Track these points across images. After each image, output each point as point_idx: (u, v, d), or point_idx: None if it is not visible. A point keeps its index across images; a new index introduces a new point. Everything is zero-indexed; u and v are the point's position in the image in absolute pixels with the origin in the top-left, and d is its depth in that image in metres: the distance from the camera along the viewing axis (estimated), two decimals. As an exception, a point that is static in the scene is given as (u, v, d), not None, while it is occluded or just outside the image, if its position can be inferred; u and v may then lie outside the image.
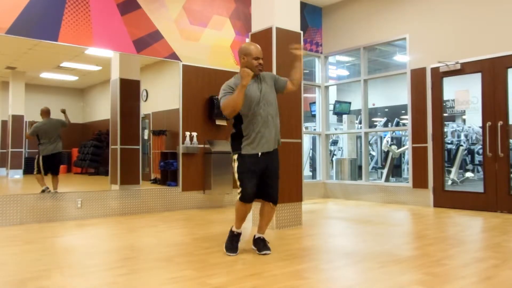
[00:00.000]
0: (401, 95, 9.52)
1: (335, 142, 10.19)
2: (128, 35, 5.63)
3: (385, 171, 8.67)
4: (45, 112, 5.54)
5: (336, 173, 8.12)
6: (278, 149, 3.46)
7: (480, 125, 6.05)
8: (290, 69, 3.49)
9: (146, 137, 6.59)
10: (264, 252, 3.29)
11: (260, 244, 3.36)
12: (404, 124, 10.48)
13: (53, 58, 5.79)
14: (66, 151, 6.10)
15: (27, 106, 5.54)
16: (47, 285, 2.54)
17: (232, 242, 3.36)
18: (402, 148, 9.04)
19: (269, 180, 3.34)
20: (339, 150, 9.91)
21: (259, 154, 3.28)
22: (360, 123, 8.18)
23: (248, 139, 3.29)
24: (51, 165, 5.51)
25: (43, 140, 5.49)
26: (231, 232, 3.40)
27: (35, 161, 5.45)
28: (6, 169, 5.49)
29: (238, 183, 3.30)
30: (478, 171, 10.18)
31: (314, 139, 8.71)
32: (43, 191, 5.21)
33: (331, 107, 8.41)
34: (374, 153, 10.50)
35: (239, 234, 3.40)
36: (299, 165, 4.64)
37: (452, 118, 11.91)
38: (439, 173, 6.24)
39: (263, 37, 4.61)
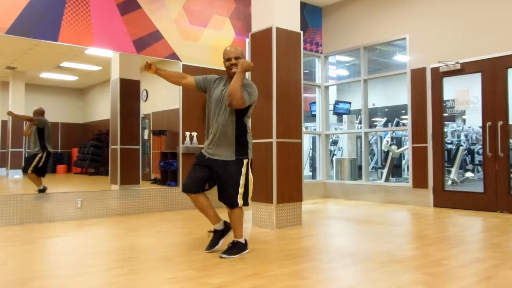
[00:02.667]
0: (401, 95, 9.52)
1: (335, 142, 10.20)
2: (128, 35, 5.63)
3: (385, 171, 8.67)
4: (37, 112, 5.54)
5: (336, 173, 8.12)
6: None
7: (480, 125, 6.05)
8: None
9: (146, 137, 6.59)
10: (220, 255, 3.22)
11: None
12: (404, 124, 10.49)
13: (53, 58, 5.79)
14: (66, 151, 6.10)
15: (27, 106, 5.54)
16: (47, 285, 2.54)
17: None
18: (402, 148, 9.04)
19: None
20: (339, 150, 9.92)
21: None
22: (360, 123, 8.18)
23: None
24: (27, 164, 5.49)
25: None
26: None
27: None
28: (6, 169, 5.49)
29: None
30: (478, 171, 10.18)
31: (314, 139, 8.71)
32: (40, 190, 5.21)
33: (331, 107, 8.42)
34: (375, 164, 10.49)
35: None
36: (299, 165, 4.64)
37: (452, 118, 11.92)
38: (439, 173, 6.24)
39: (263, 37, 4.61)
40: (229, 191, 3.24)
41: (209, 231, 3.43)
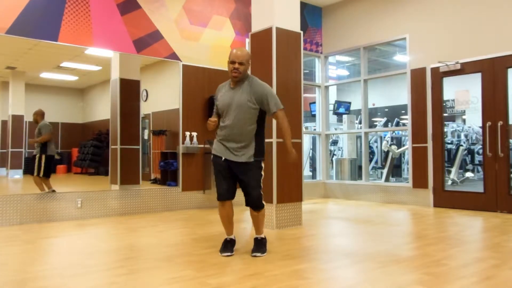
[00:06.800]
0: (401, 95, 9.52)
1: (335, 142, 10.20)
2: (128, 35, 5.63)
3: (385, 171, 8.67)
4: (41, 114, 5.54)
5: (336, 173, 8.12)
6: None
7: (480, 125, 6.04)
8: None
9: (146, 137, 6.59)
10: (253, 254, 3.26)
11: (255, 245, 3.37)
12: (404, 124, 10.49)
13: (53, 58, 5.79)
14: (66, 151, 6.10)
15: (27, 106, 5.54)
16: (47, 285, 2.54)
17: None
18: (402, 148, 9.04)
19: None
20: (339, 150, 9.92)
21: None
22: (360, 123, 8.18)
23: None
24: (32, 168, 5.51)
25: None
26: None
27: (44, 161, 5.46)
28: (6, 169, 5.48)
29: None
30: (478, 171, 10.18)
31: (314, 139, 8.71)
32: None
33: (331, 107, 8.41)
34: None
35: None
36: (299, 165, 4.64)
37: (452, 118, 11.91)
38: (439, 173, 6.24)
39: (263, 37, 4.61)
40: (254, 194, 3.27)
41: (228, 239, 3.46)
